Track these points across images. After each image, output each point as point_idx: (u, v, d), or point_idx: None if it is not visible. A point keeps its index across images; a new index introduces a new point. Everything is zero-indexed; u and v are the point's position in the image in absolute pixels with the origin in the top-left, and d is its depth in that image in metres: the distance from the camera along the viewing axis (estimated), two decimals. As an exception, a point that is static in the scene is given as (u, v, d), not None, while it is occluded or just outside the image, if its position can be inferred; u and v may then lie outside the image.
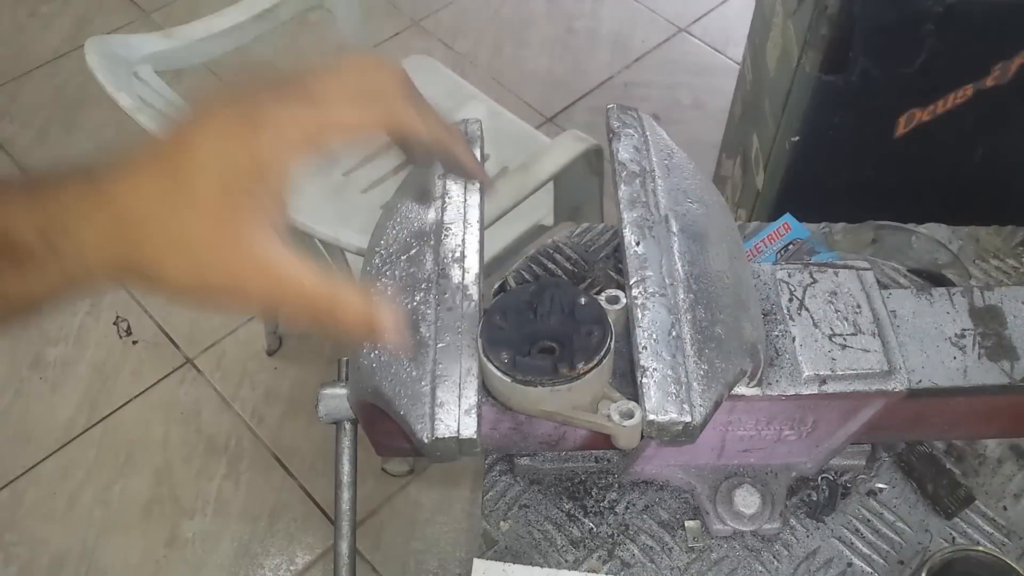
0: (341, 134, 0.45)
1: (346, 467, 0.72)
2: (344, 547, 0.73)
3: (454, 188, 0.66)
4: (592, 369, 0.53)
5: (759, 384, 0.63)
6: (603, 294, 0.60)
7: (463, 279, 0.61)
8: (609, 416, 0.53)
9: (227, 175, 0.40)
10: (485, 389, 0.58)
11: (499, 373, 0.52)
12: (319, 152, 0.43)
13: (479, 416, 0.55)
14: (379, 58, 0.49)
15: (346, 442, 0.71)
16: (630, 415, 0.53)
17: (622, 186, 0.65)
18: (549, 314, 0.55)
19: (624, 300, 0.58)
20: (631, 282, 0.59)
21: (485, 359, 0.52)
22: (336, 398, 0.70)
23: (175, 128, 0.42)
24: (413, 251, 0.63)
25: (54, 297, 0.42)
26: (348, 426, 0.71)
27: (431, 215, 0.65)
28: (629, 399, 0.57)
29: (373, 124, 0.46)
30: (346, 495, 0.72)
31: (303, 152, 0.42)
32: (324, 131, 0.43)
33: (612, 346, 0.54)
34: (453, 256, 0.62)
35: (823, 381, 0.63)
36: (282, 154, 0.42)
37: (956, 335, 0.67)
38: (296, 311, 0.43)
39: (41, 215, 0.40)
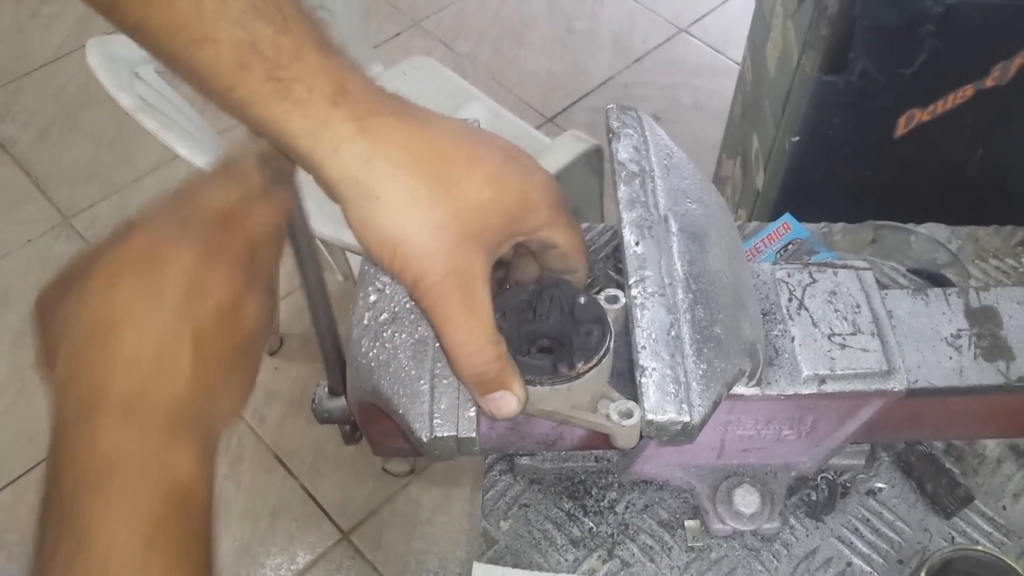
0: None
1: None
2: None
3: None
4: (591, 368, 0.52)
5: (758, 384, 0.63)
6: (602, 293, 0.59)
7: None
8: (608, 416, 0.53)
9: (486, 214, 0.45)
10: None
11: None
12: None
13: (478, 415, 0.55)
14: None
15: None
16: (629, 415, 0.53)
17: (621, 186, 0.65)
18: (548, 313, 0.54)
19: (623, 299, 0.57)
20: (630, 282, 0.59)
21: None
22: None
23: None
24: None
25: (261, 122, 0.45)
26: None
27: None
28: (628, 399, 0.57)
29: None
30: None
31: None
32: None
33: (611, 345, 0.54)
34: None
35: (822, 381, 0.63)
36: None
37: (952, 335, 0.67)
38: (446, 324, 0.47)
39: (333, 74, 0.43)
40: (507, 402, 0.47)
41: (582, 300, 0.54)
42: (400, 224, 0.43)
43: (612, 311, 0.59)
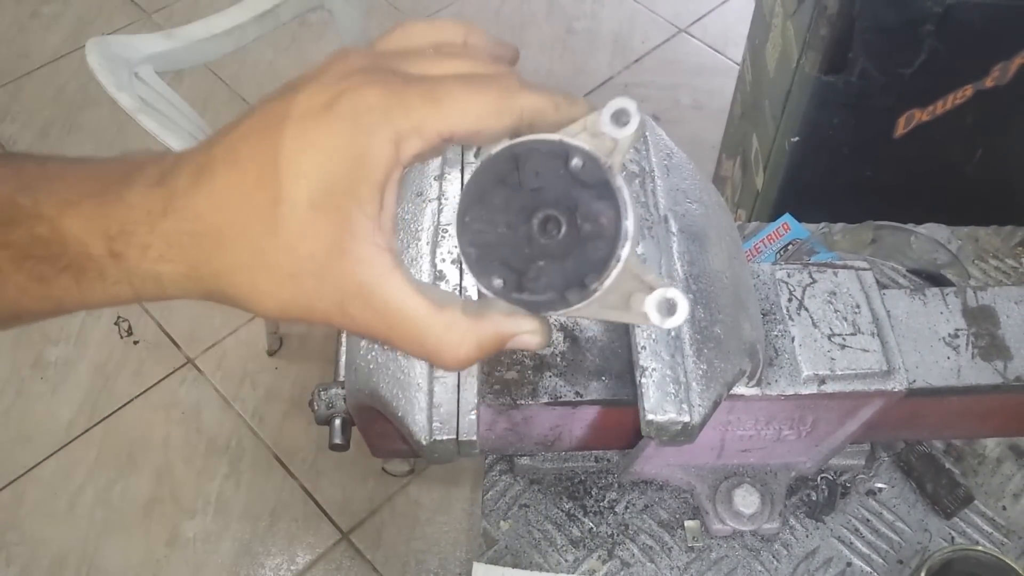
0: (466, 137, 0.35)
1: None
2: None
3: (451, 189, 0.66)
4: (607, 277, 0.38)
5: (758, 384, 0.63)
6: (603, 112, 0.39)
7: (461, 280, 0.61)
8: (646, 315, 0.39)
9: (325, 184, 0.33)
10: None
11: (494, 296, 0.39)
12: (433, 157, 0.36)
13: (478, 417, 0.55)
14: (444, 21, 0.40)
15: None
16: (671, 309, 0.39)
17: (621, 186, 0.65)
18: (538, 188, 0.39)
19: (633, 114, 0.38)
20: (630, 282, 0.59)
21: (475, 279, 0.39)
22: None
23: (257, 119, 0.35)
24: (410, 250, 0.63)
25: (114, 304, 0.37)
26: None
27: (427, 217, 0.65)
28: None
29: (505, 122, 0.36)
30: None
31: (417, 158, 0.35)
32: (446, 134, 0.34)
33: (631, 228, 0.38)
34: (452, 257, 0.62)
35: (822, 381, 0.63)
36: (393, 160, 0.34)
37: (950, 335, 0.67)
38: (401, 346, 0.36)
39: (106, 220, 0.34)
40: (526, 342, 0.39)
41: (577, 161, 0.38)
42: (252, 286, 0.35)
43: (621, 149, 0.39)
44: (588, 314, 0.40)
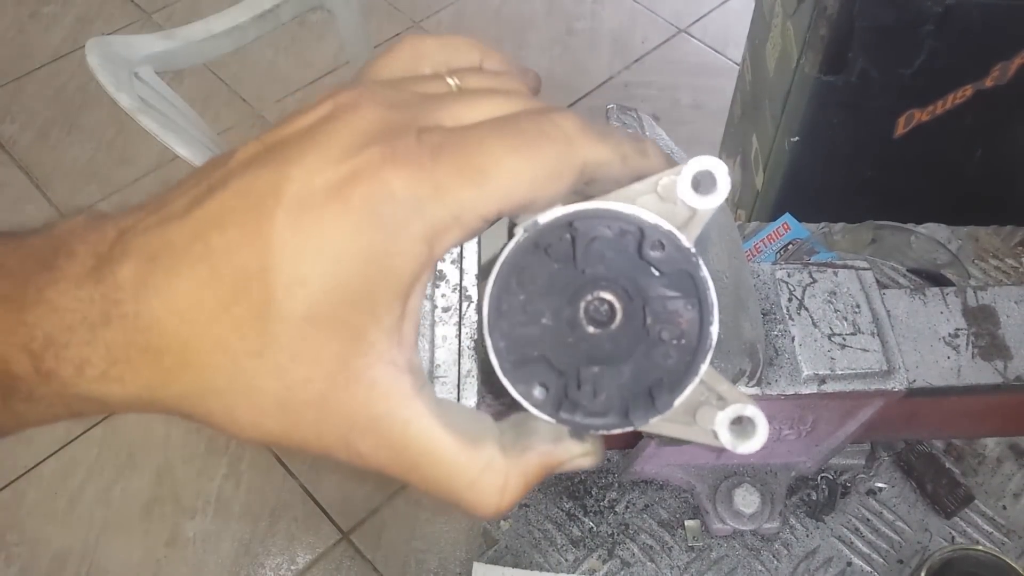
0: (516, 212, 0.28)
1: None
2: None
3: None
4: (682, 395, 0.30)
5: (758, 384, 0.63)
6: (682, 175, 0.29)
7: (461, 280, 0.61)
8: (715, 434, 0.31)
9: (330, 294, 0.26)
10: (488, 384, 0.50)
11: (538, 413, 0.30)
12: (471, 238, 0.28)
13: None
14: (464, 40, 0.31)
15: None
16: (749, 430, 0.31)
17: (621, 186, 0.65)
18: (596, 265, 0.30)
19: (721, 179, 0.30)
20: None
21: (510, 388, 0.30)
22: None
23: (236, 198, 0.26)
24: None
25: (58, 421, 0.30)
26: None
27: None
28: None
29: (565, 184, 0.28)
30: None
31: (453, 246, 0.28)
32: (493, 216, 0.27)
33: (715, 335, 0.30)
34: (451, 258, 0.63)
35: (822, 381, 0.63)
36: (425, 260, 0.27)
37: (950, 335, 0.67)
38: (425, 491, 0.29)
39: (26, 330, 0.26)
40: (578, 466, 0.31)
41: (655, 252, 0.29)
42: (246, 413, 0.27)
43: (699, 222, 0.30)
44: (642, 429, 0.32)
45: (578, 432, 0.31)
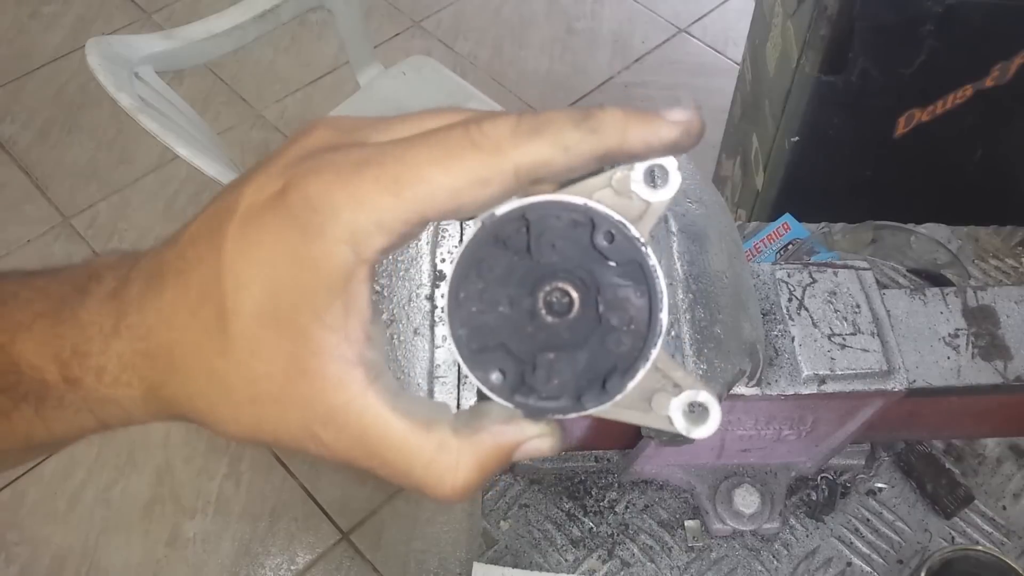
0: (444, 217, 0.29)
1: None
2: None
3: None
4: (633, 380, 0.32)
5: (758, 384, 0.63)
6: (635, 169, 0.31)
7: (463, 279, 0.61)
8: (670, 419, 0.33)
9: (271, 295, 0.28)
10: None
11: (495, 397, 0.32)
12: (412, 240, 0.28)
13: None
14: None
15: None
16: (702, 415, 0.32)
17: (621, 186, 0.65)
18: (551, 263, 0.32)
19: (673, 175, 0.31)
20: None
21: (468, 373, 0.32)
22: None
23: (207, 217, 0.30)
24: (410, 250, 0.63)
25: (84, 435, 0.34)
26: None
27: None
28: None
29: (494, 190, 0.28)
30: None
31: (389, 251, 0.29)
32: (415, 221, 0.28)
33: (665, 321, 0.31)
34: (451, 258, 0.62)
35: (822, 381, 0.63)
36: (351, 262, 0.28)
37: (950, 335, 0.67)
38: (388, 478, 0.31)
39: (59, 342, 0.30)
40: (536, 448, 0.32)
41: (603, 235, 0.30)
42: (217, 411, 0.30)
43: (652, 215, 0.31)
44: (598, 414, 0.33)
45: (532, 415, 0.32)
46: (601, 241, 0.30)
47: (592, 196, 0.30)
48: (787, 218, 1.00)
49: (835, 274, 0.68)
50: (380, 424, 0.29)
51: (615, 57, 2.49)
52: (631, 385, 0.31)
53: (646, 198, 0.31)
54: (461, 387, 0.56)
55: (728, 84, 1.82)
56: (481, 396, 0.34)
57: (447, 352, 0.56)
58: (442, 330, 0.51)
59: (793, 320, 0.66)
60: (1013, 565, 0.67)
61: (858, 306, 0.66)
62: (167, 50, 1.32)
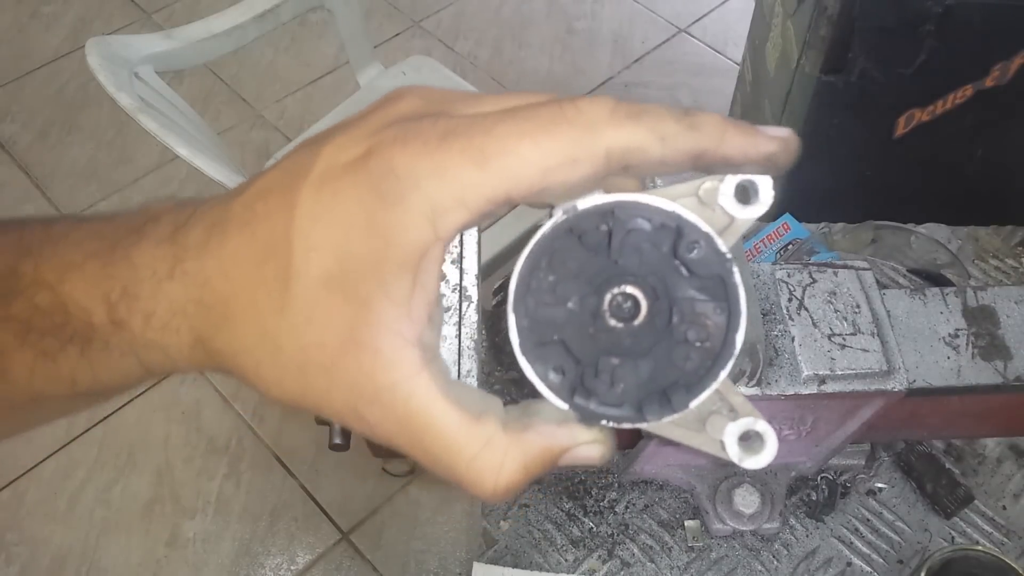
0: (530, 198, 0.28)
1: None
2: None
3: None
4: (699, 399, 0.30)
5: (758, 384, 0.63)
6: (725, 182, 0.30)
7: (461, 280, 0.61)
8: (723, 445, 0.31)
9: (341, 261, 0.27)
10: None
11: (551, 396, 0.30)
12: (490, 220, 0.27)
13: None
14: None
15: None
16: (757, 445, 0.31)
17: (621, 186, 0.65)
18: (627, 259, 0.30)
19: (770, 195, 0.31)
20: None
21: (526, 368, 0.30)
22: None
23: (281, 173, 0.29)
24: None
25: (128, 384, 0.32)
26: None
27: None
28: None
29: (585, 171, 0.27)
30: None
31: (466, 228, 0.28)
32: (500, 199, 0.27)
33: (740, 343, 0.29)
34: (451, 257, 0.62)
35: (822, 381, 0.63)
36: (428, 238, 0.27)
37: (950, 335, 0.67)
38: (428, 467, 0.29)
39: (109, 283, 0.30)
40: (585, 455, 0.31)
41: (692, 252, 0.29)
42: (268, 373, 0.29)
43: (736, 231, 0.30)
44: (652, 429, 0.31)
45: (588, 421, 0.30)
46: (686, 252, 0.29)
47: (676, 202, 0.29)
48: (787, 218, 1.00)
49: (835, 274, 0.68)
50: (428, 410, 0.28)
51: (615, 57, 2.49)
52: (695, 403, 0.29)
53: (732, 213, 0.29)
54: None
55: (728, 84, 1.82)
56: (526, 394, 0.32)
57: (447, 352, 0.56)
58: (442, 330, 0.51)
59: (793, 320, 0.66)
60: (1013, 565, 0.67)
61: (858, 306, 0.66)
62: (167, 50, 1.32)
